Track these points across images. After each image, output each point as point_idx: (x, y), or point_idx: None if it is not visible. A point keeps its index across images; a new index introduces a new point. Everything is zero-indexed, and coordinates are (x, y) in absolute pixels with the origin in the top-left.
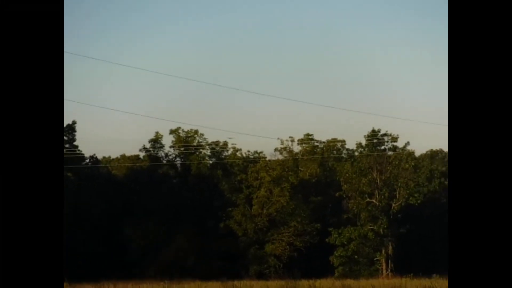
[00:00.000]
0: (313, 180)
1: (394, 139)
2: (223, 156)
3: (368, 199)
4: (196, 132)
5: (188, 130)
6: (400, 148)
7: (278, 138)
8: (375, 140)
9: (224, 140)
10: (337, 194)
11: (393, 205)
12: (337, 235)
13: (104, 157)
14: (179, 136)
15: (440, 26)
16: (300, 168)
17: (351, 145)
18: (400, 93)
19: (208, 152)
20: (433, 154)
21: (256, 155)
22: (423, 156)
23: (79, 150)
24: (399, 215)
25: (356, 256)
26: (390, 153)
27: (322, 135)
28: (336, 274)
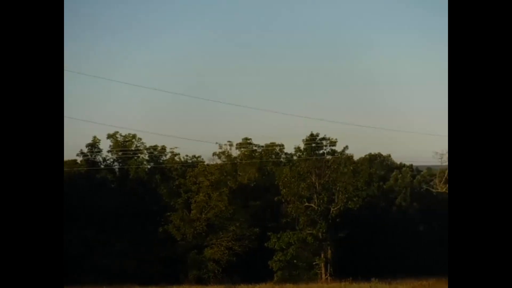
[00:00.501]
0: (252, 185)
1: (333, 143)
2: (161, 161)
3: (307, 203)
4: (134, 136)
5: (126, 135)
6: (339, 152)
7: (216, 143)
8: (313, 144)
9: (162, 144)
10: (276, 199)
11: (332, 209)
12: (276, 240)
13: None
14: (117, 140)
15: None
16: (238, 173)
17: (289, 149)
18: (338, 97)
19: (146, 157)
20: (371, 158)
21: (195, 159)
22: (362, 160)
23: None
24: (338, 219)
25: (295, 261)
26: (328, 157)
27: (260, 140)
28: (275, 278)
